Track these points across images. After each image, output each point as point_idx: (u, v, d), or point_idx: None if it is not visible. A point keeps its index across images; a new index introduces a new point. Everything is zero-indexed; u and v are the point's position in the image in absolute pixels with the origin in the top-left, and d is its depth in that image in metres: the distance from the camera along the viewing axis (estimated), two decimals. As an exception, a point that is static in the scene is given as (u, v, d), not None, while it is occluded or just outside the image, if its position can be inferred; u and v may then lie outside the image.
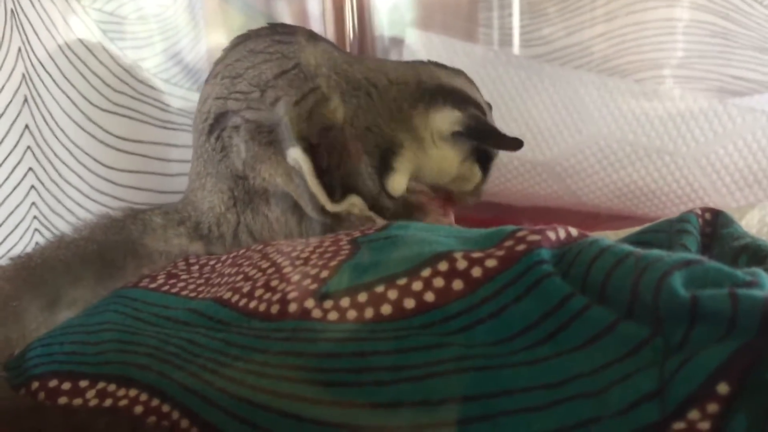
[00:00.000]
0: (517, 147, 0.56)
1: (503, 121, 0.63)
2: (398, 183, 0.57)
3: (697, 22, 0.77)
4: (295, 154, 0.54)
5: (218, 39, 0.86)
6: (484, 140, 0.58)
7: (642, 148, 0.72)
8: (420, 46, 0.81)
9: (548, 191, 0.77)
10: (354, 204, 0.55)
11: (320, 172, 0.55)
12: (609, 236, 0.52)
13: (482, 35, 0.87)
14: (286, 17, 0.94)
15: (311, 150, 0.55)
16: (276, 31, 0.59)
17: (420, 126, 0.57)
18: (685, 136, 0.70)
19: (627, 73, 0.78)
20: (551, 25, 0.82)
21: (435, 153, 0.57)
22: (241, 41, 0.59)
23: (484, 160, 0.60)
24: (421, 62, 0.61)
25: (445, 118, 0.56)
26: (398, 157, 0.57)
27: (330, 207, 0.55)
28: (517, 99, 0.75)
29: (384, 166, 0.56)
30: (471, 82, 0.62)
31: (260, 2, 0.91)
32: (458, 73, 0.61)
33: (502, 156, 0.61)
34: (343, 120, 0.55)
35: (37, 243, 0.65)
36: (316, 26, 0.94)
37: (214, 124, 0.57)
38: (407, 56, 0.82)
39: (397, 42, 0.89)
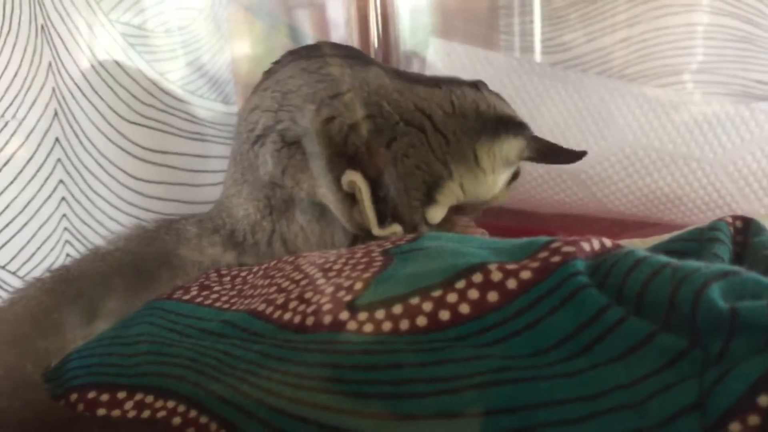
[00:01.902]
0: (580, 158, 0.57)
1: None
2: (439, 214, 0.58)
3: (719, 26, 0.76)
4: (355, 178, 0.55)
5: (243, 49, 0.87)
6: (552, 158, 0.59)
7: (668, 155, 0.71)
8: (443, 54, 0.81)
9: (574, 199, 0.77)
10: (395, 232, 0.56)
11: (375, 199, 0.55)
12: (636, 244, 0.52)
13: (503, 42, 0.87)
14: (308, 27, 0.95)
15: (366, 174, 0.55)
16: (328, 52, 0.59)
17: (482, 157, 0.57)
18: (711, 143, 0.70)
19: (649, 79, 0.78)
20: (572, 31, 0.82)
21: (489, 180, 0.58)
22: (293, 59, 0.59)
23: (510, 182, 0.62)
24: (470, 85, 0.61)
25: (513, 147, 0.57)
26: (443, 190, 0.57)
27: (376, 231, 0.56)
28: (541, 107, 0.75)
29: (427, 199, 0.57)
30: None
31: (283, 12, 0.92)
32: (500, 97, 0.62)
33: (528, 163, 0.61)
34: (394, 155, 0.56)
35: (68, 254, 0.65)
36: (339, 35, 0.94)
37: (261, 135, 0.57)
38: (430, 65, 0.83)
39: (422, 50, 0.89)
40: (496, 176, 0.59)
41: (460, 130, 0.57)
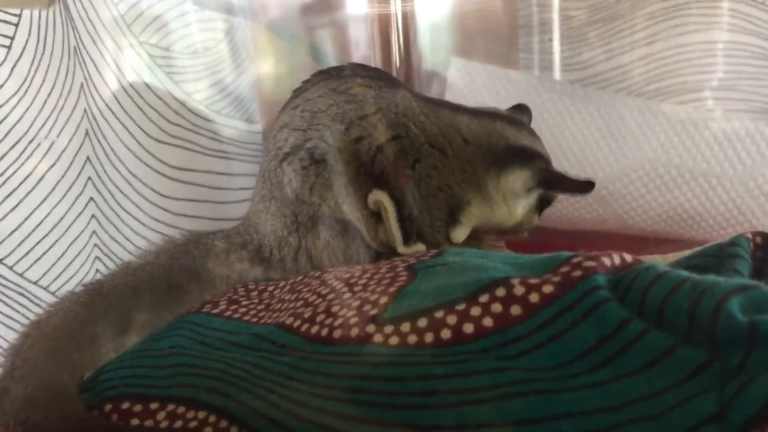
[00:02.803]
0: (589, 189, 0.57)
1: (548, 147, 0.64)
2: (462, 234, 0.59)
3: (739, 44, 0.76)
4: (381, 197, 0.56)
5: (266, 68, 0.88)
6: (557, 188, 0.59)
7: (688, 172, 0.72)
8: (464, 74, 0.82)
9: (594, 215, 0.78)
10: (419, 250, 0.56)
11: (401, 218, 0.56)
12: (657, 260, 0.52)
13: (522, 60, 0.87)
14: (329, 47, 0.96)
15: (392, 194, 0.56)
16: (358, 73, 0.61)
17: (492, 189, 0.59)
18: (731, 159, 0.70)
19: (668, 97, 0.78)
20: (591, 49, 0.82)
21: (503, 210, 0.60)
22: (323, 78, 0.60)
23: (541, 206, 0.62)
24: (489, 116, 0.61)
25: (518, 179, 0.58)
26: (465, 212, 0.59)
27: (401, 249, 0.57)
28: (561, 125, 0.76)
29: (451, 219, 0.58)
30: (532, 132, 0.64)
31: (304, 32, 0.93)
32: (521, 124, 0.63)
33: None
34: (419, 176, 0.57)
35: (97, 270, 0.67)
36: (361, 54, 0.95)
37: (289, 153, 0.58)
38: (451, 84, 0.83)
39: (442, 69, 0.90)
40: (510, 207, 0.60)
41: (475, 160, 0.59)
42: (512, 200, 0.59)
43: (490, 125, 0.60)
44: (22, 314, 0.60)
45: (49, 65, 0.61)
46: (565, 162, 0.76)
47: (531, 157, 0.60)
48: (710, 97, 0.77)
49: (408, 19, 0.96)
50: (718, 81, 0.77)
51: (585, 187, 0.57)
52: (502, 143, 0.59)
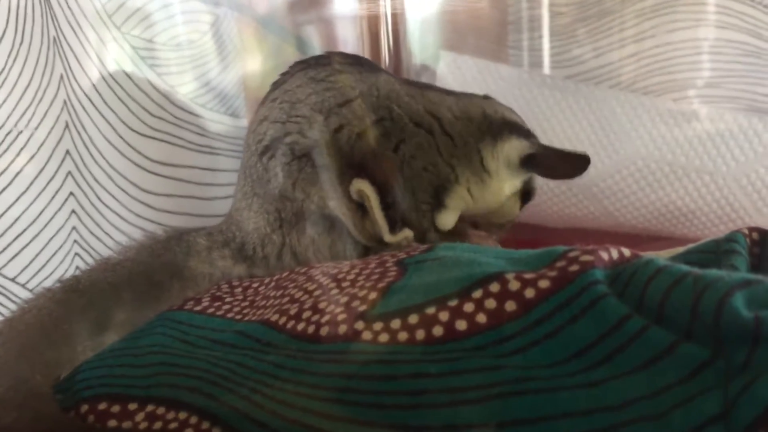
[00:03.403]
0: (585, 164, 0.56)
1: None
2: (449, 220, 0.58)
3: (727, 41, 0.76)
4: (362, 186, 0.55)
5: (253, 63, 0.87)
6: (554, 161, 0.58)
7: (681, 168, 0.71)
8: (454, 68, 0.81)
9: (585, 212, 0.77)
10: (407, 237, 0.56)
11: (384, 205, 0.55)
12: (652, 257, 0.51)
13: (512, 57, 0.87)
14: (316, 41, 0.95)
15: (373, 181, 0.55)
16: (337, 60, 0.60)
17: (487, 157, 0.58)
18: (724, 156, 0.70)
19: (658, 94, 0.78)
20: (580, 46, 0.82)
21: (493, 185, 0.59)
22: (302, 68, 0.59)
23: (524, 197, 0.61)
24: (480, 96, 0.61)
25: (514, 147, 0.57)
26: (450, 194, 0.57)
27: (388, 238, 0.55)
28: (552, 120, 0.75)
29: (436, 203, 0.57)
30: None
31: (292, 27, 0.92)
32: (514, 111, 0.63)
33: (539, 177, 0.61)
34: (402, 159, 0.56)
35: (77, 267, 0.65)
36: (350, 50, 0.95)
37: (269, 146, 0.57)
38: (440, 78, 0.83)
39: (431, 64, 0.89)
40: (501, 181, 0.59)
41: (467, 132, 0.58)
42: (504, 173, 0.58)
43: (484, 102, 0.60)
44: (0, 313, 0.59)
45: (27, 56, 0.60)
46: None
47: (527, 132, 0.59)
48: (699, 95, 0.77)
49: (397, 17, 0.95)
50: (706, 79, 0.77)
51: (579, 162, 0.56)
52: (499, 116, 0.59)
